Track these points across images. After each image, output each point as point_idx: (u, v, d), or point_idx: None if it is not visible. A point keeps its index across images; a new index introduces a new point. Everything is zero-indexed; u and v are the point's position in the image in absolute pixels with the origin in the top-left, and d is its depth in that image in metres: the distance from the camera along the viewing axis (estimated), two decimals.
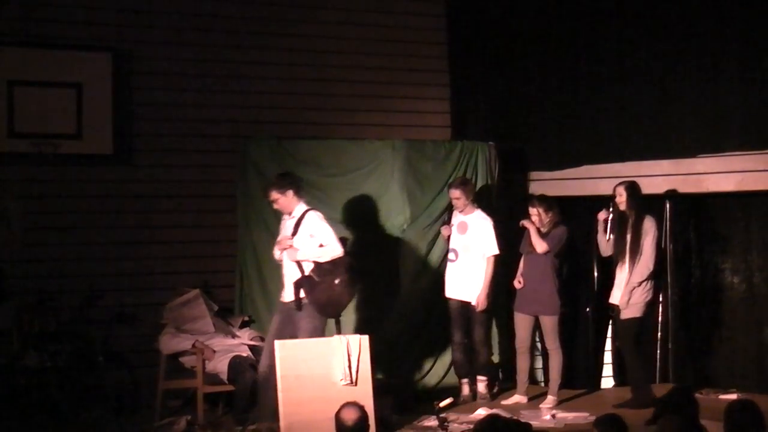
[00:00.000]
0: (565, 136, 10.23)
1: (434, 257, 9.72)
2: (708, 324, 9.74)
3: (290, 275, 8.12)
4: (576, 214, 9.98)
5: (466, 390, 9.27)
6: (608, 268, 9.29)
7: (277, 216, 8.44)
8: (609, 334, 10.10)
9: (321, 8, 10.30)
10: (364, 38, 10.43)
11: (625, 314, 8.77)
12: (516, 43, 10.51)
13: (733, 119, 9.17)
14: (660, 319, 9.67)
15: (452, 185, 9.30)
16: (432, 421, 8.15)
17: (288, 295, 8.13)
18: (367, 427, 6.11)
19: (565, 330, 9.33)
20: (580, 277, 10.10)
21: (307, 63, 10.18)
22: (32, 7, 9.29)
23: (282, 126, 9.96)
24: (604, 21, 9.93)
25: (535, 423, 7.42)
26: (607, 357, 10.16)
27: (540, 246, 8.99)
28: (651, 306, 9.00)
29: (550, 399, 9.04)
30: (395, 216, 9.69)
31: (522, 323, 9.18)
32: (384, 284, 9.62)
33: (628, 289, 8.71)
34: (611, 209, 8.93)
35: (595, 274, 10.07)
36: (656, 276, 8.88)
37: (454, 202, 9.23)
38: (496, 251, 9.14)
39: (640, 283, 8.71)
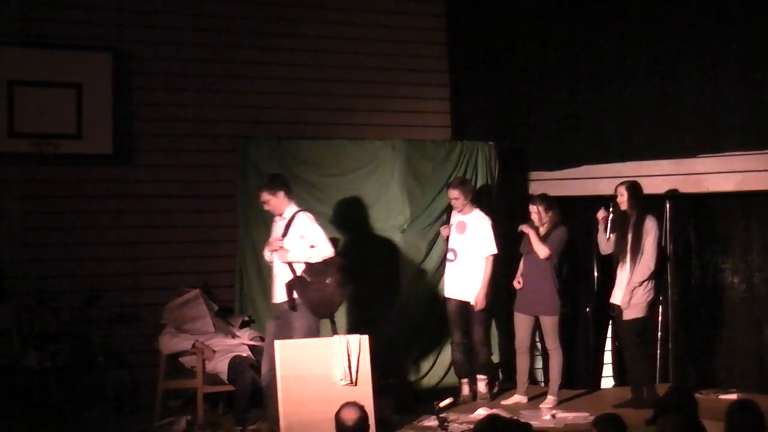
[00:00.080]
0: (565, 136, 10.23)
1: (434, 257, 9.72)
2: (708, 324, 9.74)
3: (281, 276, 8.14)
4: (576, 214, 9.98)
5: (466, 390, 9.28)
6: (608, 268, 9.29)
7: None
8: (609, 334, 10.10)
9: (321, 8, 10.29)
10: (364, 38, 10.42)
11: (627, 315, 8.77)
12: (516, 43, 10.51)
13: (733, 119, 9.17)
14: (660, 319, 9.66)
15: (451, 185, 9.30)
16: (432, 421, 8.15)
17: (279, 296, 8.15)
18: (367, 427, 6.11)
19: (565, 330, 9.34)
20: (580, 277, 10.10)
21: (307, 63, 10.18)
22: (32, 7, 9.29)
23: (282, 126, 9.96)
24: (604, 21, 9.93)
25: (535, 423, 7.43)
26: (607, 357, 10.16)
27: (542, 251, 8.98)
28: (653, 306, 8.99)
29: (550, 399, 9.05)
30: (395, 216, 9.69)
31: (522, 323, 9.18)
32: (384, 284, 9.63)
33: (629, 289, 8.71)
34: (611, 208, 8.93)
35: (595, 274, 10.08)
36: (657, 276, 8.88)
37: (453, 202, 9.24)
38: (495, 251, 9.14)
39: (641, 283, 8.70)
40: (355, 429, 6.00)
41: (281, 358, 7.62)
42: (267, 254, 8.31)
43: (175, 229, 9.64)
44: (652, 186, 9.34)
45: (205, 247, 9.68)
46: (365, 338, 7.84)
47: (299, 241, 8.11)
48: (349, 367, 7.70)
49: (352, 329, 8.61)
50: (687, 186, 9.55)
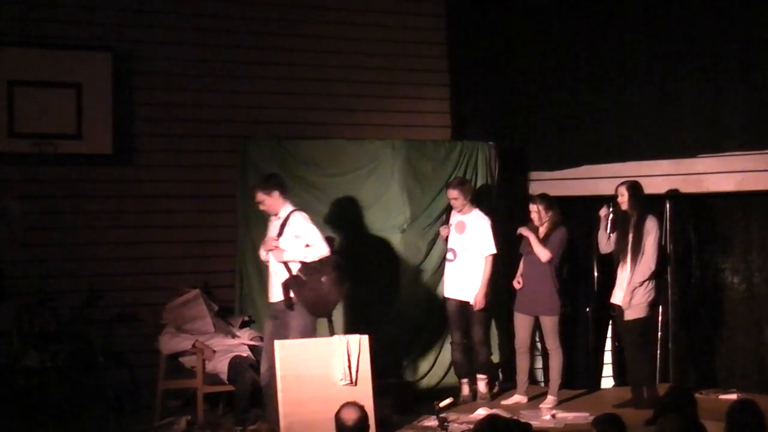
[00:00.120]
0: (565, 136, 10.23)
1: (434, 257, 9.72)
2: (708, 324, 9.74)
3: (277, 276, 8.16)
4: (576, 214, 9.99)
5: (466, 390, 9.28)
6: (608, 268, 9.29)
7: None
8: (609, 334, 10.10)
9: (321, 8, 10.29)
10: (364, 38, 10.42)
11: (628, 315, 8.76)
12: (516, 43, 10.51)
13: (733, 119, 9.17)
14: (660, 319, 9.66)
15: (450, 185, 9.30)
16: (432, 421, 8.15)
17: (276, 295, 8.17)
18: (367, 427, 6.11)
19: (565, 330, 9.33)
20: (580, 277, 10.10)
21: (307, 63, 10.18)
22: (32, 7, 9.29)
23: (282, 126, 9.96)
24: (604, 21, 9.93)
25: (535, 423, 7.44)
26: (607, 357, 10.16)
27: (543, 254, 8.97)
28: (653, 306, 8.98)
29: (550, 399, 9.05)
30: (395, 216, 9.69)
31: (522, 323, 9.18)
32: (384, 284, 9.62)
33: (630, 289, 8.70)
34: (612, 207, 8.92)
35: (595, 274, 10.08)
36: (658, 276, 8.88)
37: (452, 202, 9.24)
38: (494, 250, 9.14)
39: (641, 283, 8.70)
40: (355, 429, 6.00)
41: (281, 358, 7.62)
42: (263, 254, 8.34)
43: (175, 229, 9.64)
44: (652, 186, 9.34)
45: (205, 247, 9.68)
46: (365, 338, 7.84)
47: (295, 240, 8.13)
48: (349, 367, 7.70)
49: (351, 329, 8.61)
50: (687, 186, 9.55)
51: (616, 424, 5.51)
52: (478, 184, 9.88)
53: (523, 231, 9.11)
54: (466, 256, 9.18)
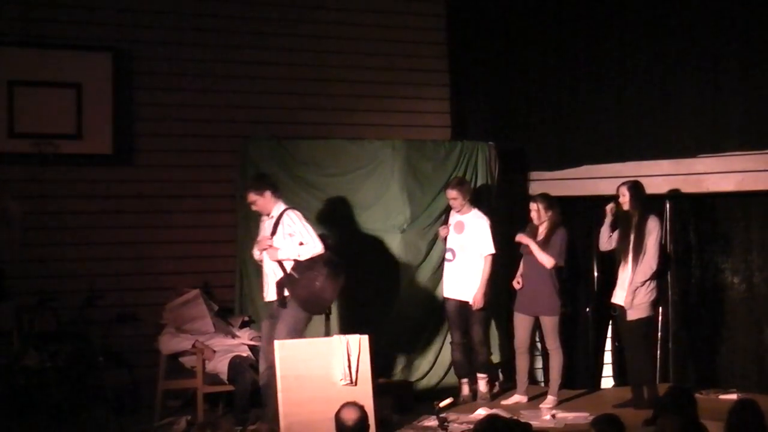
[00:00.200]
0: (565, 136, 10.23)
1: (434, 257, 9.72)
2: (708, 324, 9.74)
3: (272, 275, 8.17)
4: (576, 214, 9.99)
5: (466, 390, 9.28)
6: (608, 268, 9.30)
7: None
8: (609, 334, 10.10)
9: (321, 8, 10.29)
10: (364, 38, 10.42)
11: (630, 315, 8.75)
12: (516, 43, 10.51)
13: (733, 119, 9.17)
14: (660, 319, 9.67)
15: (449, 185, 9.29)
16: (432, 421, 8.15)
17: (270, 294, 8.19)
18: (367, 427, 6.11)
19: (565, 330, 9.33)
20: (580, 277, 10.10)
21: (307, 63, 10.18)
22: (32, 7, 9.29)
23: (282, 126, 9.95)
24: (604, 21, 9.93)
25: (535, 423, 7.44)
26: (607, 357, 10.16)
27: (547, 261, 8.96)
28: (655, 305, 8.98)
29: (550, 399, 9.04)
30: (395, 216, 9.69)
31: (521, 324, 9.17)
32: (384, 284, 9.62)
33: (632, 289, 8.70)
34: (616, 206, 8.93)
35: (595, 274, 10.08)
36: (660, 276, 8.88)
37: (451, 202, 9.24)
38: (493, 250, 9.14)
39: (643, 283, 8.69)
40: (355, 429, 6.00)
41: (281, 358, 7.62)
42: (256, 253, 8.35)
43: (175, 229, 9.63)
44: (652, 186, 9.33)
45: (205, 247, 9.67)
46: (365, 338, 7.84)
47: (288, 239, 8.14)
48: (349, 367, 7.69)
49: (352, 329, 8.61)
50: (687, 186, 9.55)
51: (614, 425, 5.51)
52: (478, 184, 9.88)
53: (522, 239, 9.09)
54: (465, 256, 9.18)
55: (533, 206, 9.13)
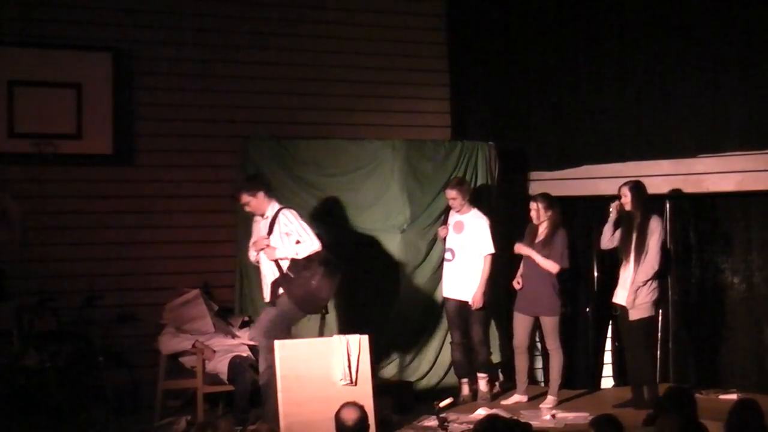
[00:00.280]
0: (565, 136, 10.23)
1: (434, 257, 9.72)
2: (708, 324, 9.74)
3: (269, 275, 8.16)
4: (576, 214, 9.99)
5: (466, 390, 9.28)
6: (608, 268, 9.29)
7: None
8: (609, 334, 10.10)
9: (321, 8, 10.29)
10: (364, 38, 10.42)
11: (633, 315, 8.75)
12: (516, 43, 10.51)
13: (733, 119, 9.18)
14: (660, 319, 9.66)
15: (448, 185, 9.29)
16: (432, 421, 8.15)
17: (268, 294, 8.17)
18: (367, 427, 6.11)
19: (565, 330, 9.33)
20: (580, 277, 10.10)
21: (307, 63, 10.18)
22: (32, 7, 9.29)
23: (282, 126, 9.95)
24: (604, 21, 9.93)
25: (535, 423, 7.44)
26: (607, 357, 10.16)
27: (552, 267, 8.96)
28: (657, 305, 8.98)
29: (550, 399, 9.05)
30: (395, 216, 9.69)
31: (521, 324, 9.17)
32: (384, 284, 9.62)
33: (633, 289, 8.69)
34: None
35: (595, 274, 10.08)
36: (661, 275, 8.88)
37: (451, 202, 9.23)
38: (492, 250, 9.13)
39: (645, 283, 8.69)
40: (355, 429, 6.00)
41: (281, 358, 7.62)
42: (252, 254, 8.33)
43: (175, 229, 9.63)
44: (653, 186, 9.33)
45: (205, 247, 9.67)
46: (365, 338, 7.84)
47: (285, 238, 8.13)
48: (349, 367, 7.69)
49: (351, 329, 8.61)
50: (687, 186, 9.55)
51: (614, 425, 5.51)
52: (478, 184, 9.87)
53: (522, 250, 9.08)
54: (465, 256, 9.17)
55: (533, 206, 9.13)
